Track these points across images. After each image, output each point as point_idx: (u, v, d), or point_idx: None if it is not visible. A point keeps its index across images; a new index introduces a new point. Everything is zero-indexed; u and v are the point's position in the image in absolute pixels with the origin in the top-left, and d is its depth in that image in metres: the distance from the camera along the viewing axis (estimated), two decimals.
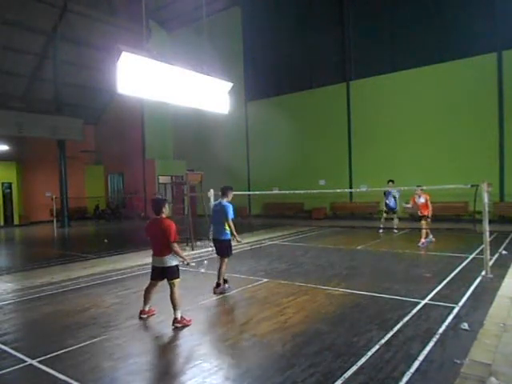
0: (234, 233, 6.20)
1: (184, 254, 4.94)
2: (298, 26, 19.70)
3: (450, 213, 15.13)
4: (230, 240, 6.29)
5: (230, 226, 6.15)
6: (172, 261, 4.83)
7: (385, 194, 12.71)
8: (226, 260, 6.29)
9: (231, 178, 21.32)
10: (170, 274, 4.83)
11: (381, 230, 12.72)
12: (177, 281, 4.84)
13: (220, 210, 6.21)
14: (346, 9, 18.13)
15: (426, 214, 10.08)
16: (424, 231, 10.08)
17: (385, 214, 12.79)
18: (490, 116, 14.78)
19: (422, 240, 10.02)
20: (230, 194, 6.42)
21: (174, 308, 4.75)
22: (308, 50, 19.54)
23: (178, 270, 4.91)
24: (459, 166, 14.89)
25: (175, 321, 4.71)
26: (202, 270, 5.67)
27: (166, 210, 4.98)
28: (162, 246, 4.80)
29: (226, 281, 6.34)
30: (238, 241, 6.36)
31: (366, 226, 13.66)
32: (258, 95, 21.33)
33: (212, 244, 6.74)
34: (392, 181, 12.38)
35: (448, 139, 15.50)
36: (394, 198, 12.43)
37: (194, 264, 5.15)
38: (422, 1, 16.24)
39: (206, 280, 6.98)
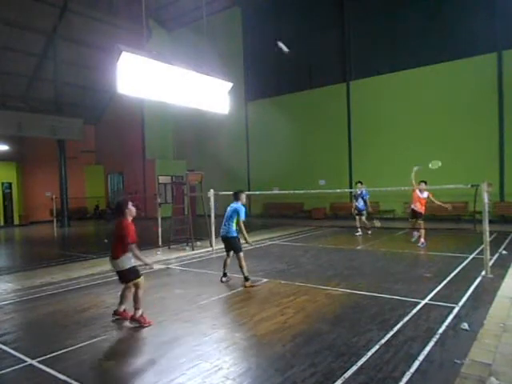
0: (245, 233, 6.53)
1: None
2: (297, 25, 19.69)
3: (450, 213, 15.09)
4: (236, 237, 6.60)
5: (239, 227, 6.52)
6: (124, 263, 4.57)
7: (354, 196, 12.65)
8: (240, 255, 6.54)
9: (231, 177, 21.37)
10: (124, 277, 4.66)
11: (369, 232, 12.63)
12: (138, 281, 4.65)
13: (233, 211, 6.56)
14: (346, 9, 18.14)
15: (422, 211, 10.02)
16: (423, 231, 10.05)
17: (357, 217, 12.61)
18: (490, 116, 14.79)
19: (422, 240, 9.99)
20: (243, 197, 6.74)
21: (135, 307, 4.66)
22: (308, 49, 19.54)
23: (134, 271, 4.65)
24: (459, 166, 14.88)
25: (131, 317, 4.67)
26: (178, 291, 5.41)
27: (130, 212, 4.71)
28: (116, 248, 4.58)
29: (246, 278, 6.52)
30: (247, 242, 6.65)
31: (365, 226, 13.59)
32: (258, 95, 21.33)
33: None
34: (361, 182, 12.39)
35: (448, 139, 15.50)
36: (364, 199, 12.30)
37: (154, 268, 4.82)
38: (422, 1, 16.25)
39: (206, 280, 7.01)
